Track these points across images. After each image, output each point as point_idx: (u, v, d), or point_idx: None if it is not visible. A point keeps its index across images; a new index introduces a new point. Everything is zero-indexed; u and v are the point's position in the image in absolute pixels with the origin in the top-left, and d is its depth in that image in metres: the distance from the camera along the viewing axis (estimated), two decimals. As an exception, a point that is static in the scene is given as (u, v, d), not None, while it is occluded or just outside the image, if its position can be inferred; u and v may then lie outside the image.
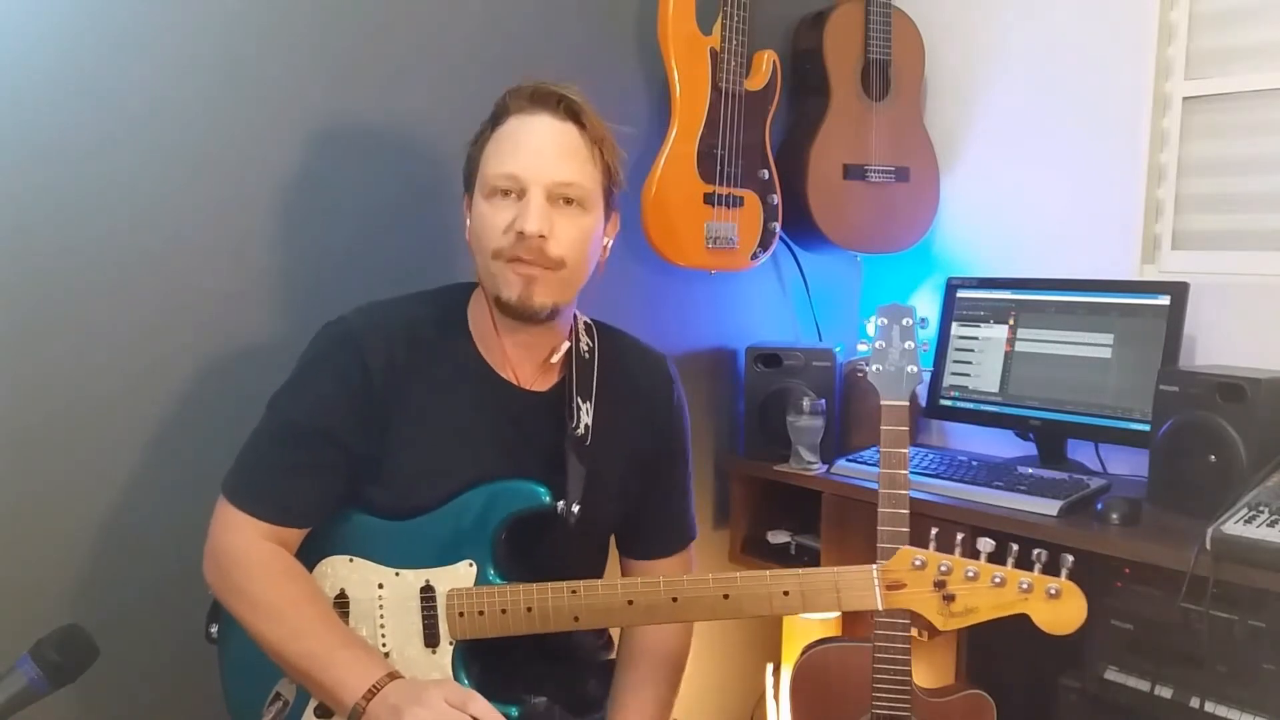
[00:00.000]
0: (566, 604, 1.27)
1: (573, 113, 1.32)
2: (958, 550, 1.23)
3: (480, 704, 1.17)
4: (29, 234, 1.46)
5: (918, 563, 1.22)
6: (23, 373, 1.47)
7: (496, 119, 1.33)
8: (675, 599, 1.25)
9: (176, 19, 1.56)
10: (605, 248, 1.41)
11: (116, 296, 1.54)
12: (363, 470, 1.34)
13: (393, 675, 1.21)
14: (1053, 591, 1.19)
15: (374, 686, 1.19)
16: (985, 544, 1.23)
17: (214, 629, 1.41)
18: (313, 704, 1.31)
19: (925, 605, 1.22)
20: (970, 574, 1.21)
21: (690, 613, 1.26)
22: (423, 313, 1.38)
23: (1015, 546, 1.22)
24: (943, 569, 1.21)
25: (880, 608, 1.23)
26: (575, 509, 1.34)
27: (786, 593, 1.23)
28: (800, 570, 1.24)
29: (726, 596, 1.24)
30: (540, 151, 1.29)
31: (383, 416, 1.32)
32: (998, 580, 1.20)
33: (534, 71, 1.37)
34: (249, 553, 1.28)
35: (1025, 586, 1.19)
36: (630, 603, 1.26)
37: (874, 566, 1.23)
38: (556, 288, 1.32)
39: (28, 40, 1.44)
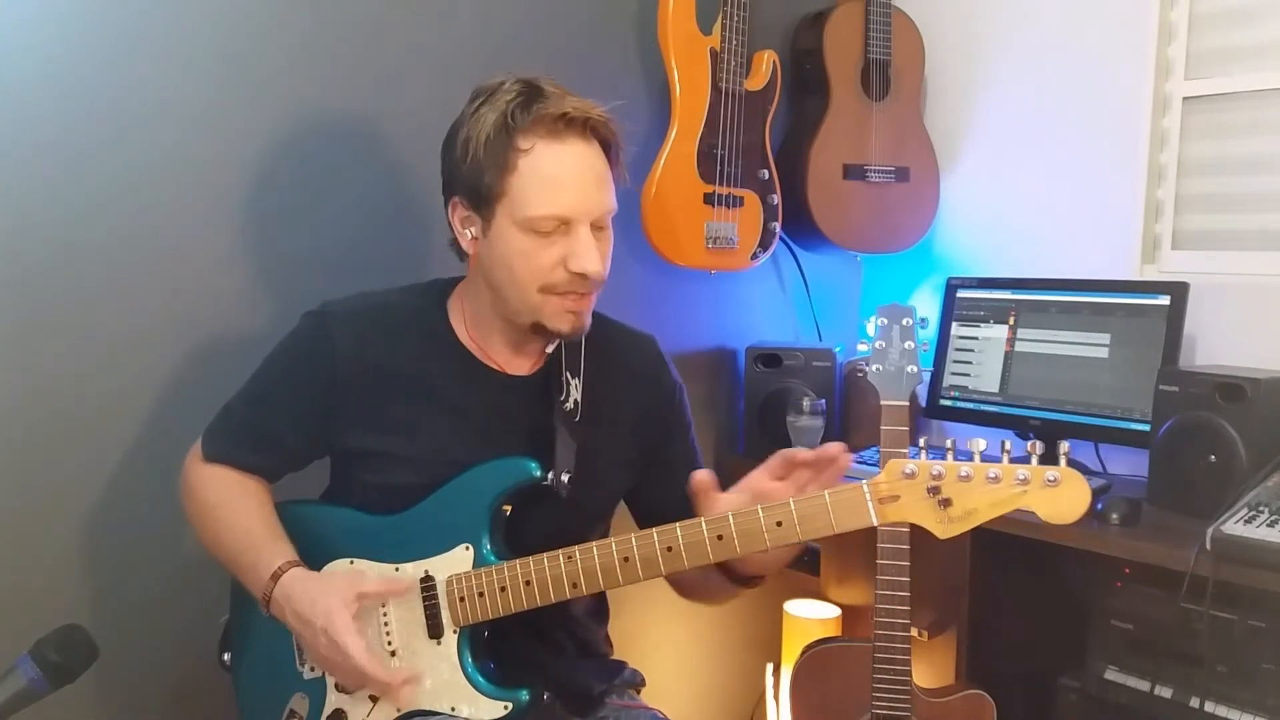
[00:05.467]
0: (563, 570, 1.26)
1: (599, 134, 1.30)
2: (950, 456, 1.17)
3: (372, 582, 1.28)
4: (26, 234, 1.46)
5: (909, 471, 1.15)
6: (22, 372, 1.48)
7: (507, 135, 1.26)
8: (670, 548, 1.22)
9: (173, 19, 1.56)
10: None
11: (116, 296, 1.54)
12: (354, 460, 1.37)
13: (294, 563, 1.29)
14: (1051, 478, 1.11)
15: (279, 569, 1.27)
16: (977, 444, 1.16)
17: (227, 657, 1.45)
18: (326, 712, 1.31)
19: (922, 515, 1.15)
20: (964, 474, 1.13)
21: (686, 559, 1.23)
22: (401, 303, 1.40)
23: (1008, 443, 1.15)
24: (935, 473, 1.14)
25: (876, 523, 1.17)
26: (565, 478, 1.34)
27: (779, 523, 1.18)
28: (791, 499, 1.19)
29: (720, 538, 1.20)
30: (584, 187, 1.28)
31: (353, 402, 1.35)
32: (993, 476, 1.12)
33: (533, 70, 1.35)
34: (211, 470, 1.40)
35: (1022, 478, 1.12)
36: (626, 559, 1.24)
37: (864, 481, 1.17)
38: (592, 303, 1.35)
39: (26, 40, 1.44)
